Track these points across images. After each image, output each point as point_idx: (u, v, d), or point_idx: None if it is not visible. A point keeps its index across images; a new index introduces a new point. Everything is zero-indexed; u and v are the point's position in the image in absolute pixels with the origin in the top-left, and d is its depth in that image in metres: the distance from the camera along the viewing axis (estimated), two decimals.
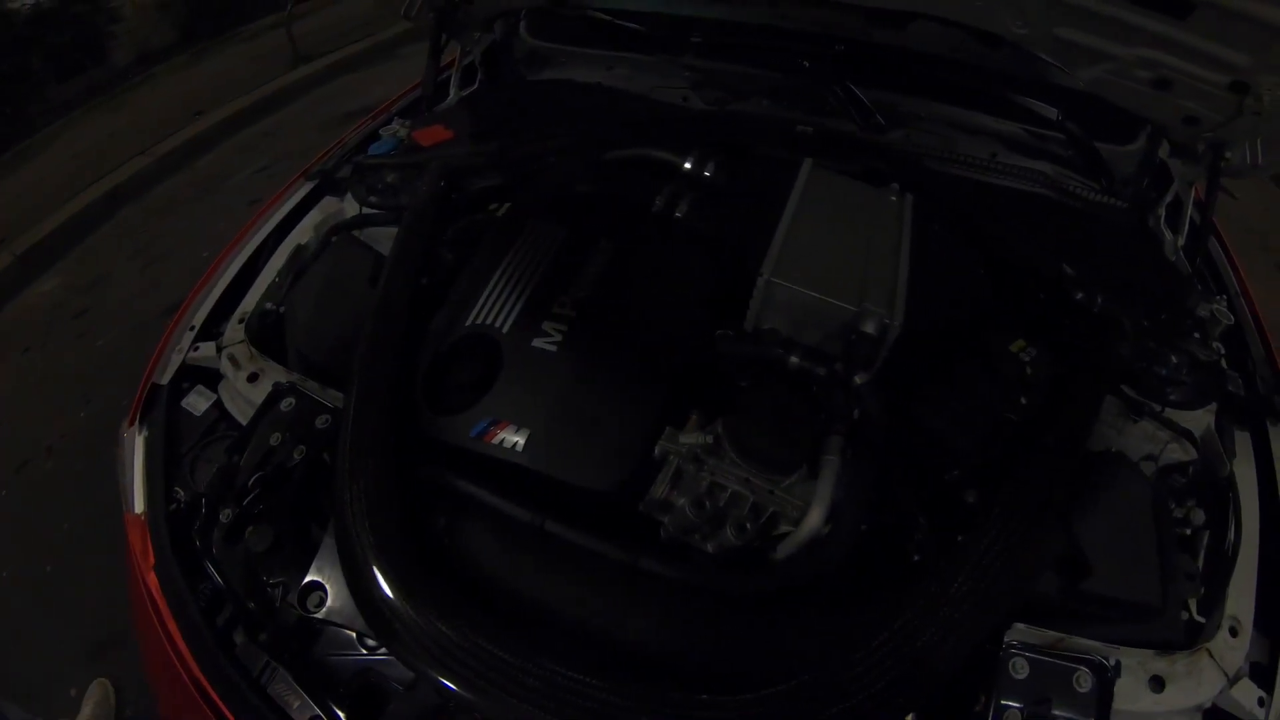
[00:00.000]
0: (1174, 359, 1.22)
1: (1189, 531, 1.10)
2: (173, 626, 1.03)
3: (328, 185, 1.64)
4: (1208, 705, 0.94)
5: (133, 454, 1.22)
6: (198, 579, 1.06)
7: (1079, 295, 1.25)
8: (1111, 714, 0.88)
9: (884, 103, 1.73)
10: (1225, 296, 1.43)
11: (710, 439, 1.01)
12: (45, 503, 2.41)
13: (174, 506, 1.15)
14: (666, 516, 0.99)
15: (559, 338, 1.11)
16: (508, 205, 1.47)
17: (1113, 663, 0.90)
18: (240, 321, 1.32)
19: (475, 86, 2.01)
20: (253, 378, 1.22)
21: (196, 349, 1.32)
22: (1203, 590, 1.03)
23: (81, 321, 3.17)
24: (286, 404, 1.14)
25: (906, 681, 0.81)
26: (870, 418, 1.03)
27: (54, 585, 2.18)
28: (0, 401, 2.80)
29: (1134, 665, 0.92)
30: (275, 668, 0.99)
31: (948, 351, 1.17)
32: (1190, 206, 1.63)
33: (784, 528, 0.99)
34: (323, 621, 0.96)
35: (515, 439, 1.02)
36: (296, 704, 0.96)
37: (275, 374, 1.21)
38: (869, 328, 1.07)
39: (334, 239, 1.45)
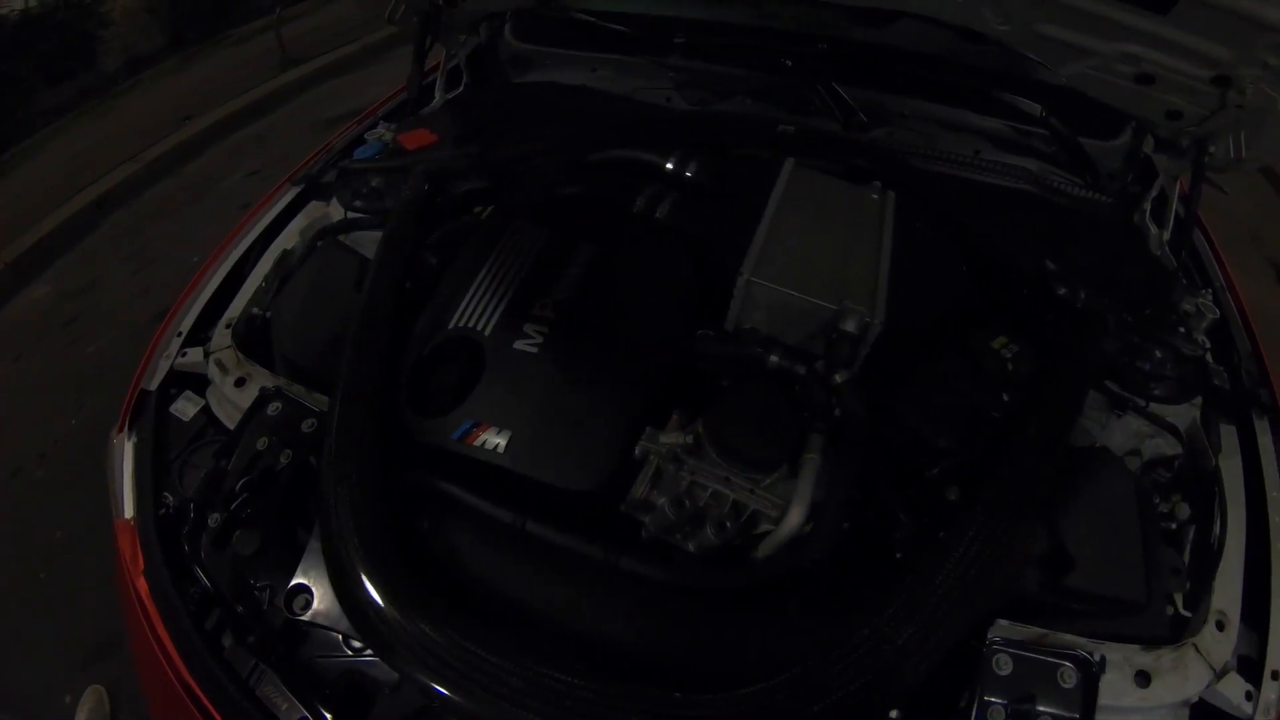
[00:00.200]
0: (1158, 354, 1.22)
1: (1174, 526, 1.10)
2: (162, 630, 1.04)
3: (313, 190, 1.64)
4: (1195, 700, 0.93)
5: (122, 460, 1.22)
6: (187, 583, 1.06)
7: (1062, 291, 1.25)
8: (1097, 710, 0.87)
9: (867, 101, 1.72)
10: (1211, 290, 1.42)
11: (691, 438, 1.01)
12: (38, 510, 2.41)
13: (163, 511, 1.15)
14: (648, 516, 0.99)
15: (540, 339, 1.12)
16: (491, 208, 1.48)
17: (1098, 658, 0.90)
18: (227, 327, 1.32)
19: (460, 90, 2.01)
20: (240, 383, 1.22)
21: (184, 355, 1.33)
22: (1189, 585, 1.03)
23: (73, 328, 3.17)
24: (273, 408, 1.14)
25: (888, 679, 0.81)
26: (851, 416, 1.03)
27: (48, 592, 2.18)
28: None
29: (1119, 660, 0.91)
30: (263, 670, 0.99)
31: (930, 349, 1.17)
32: (1175, 201, 1.63)
33: (764, 527, 0.99)
34: (309, 624, 0.96)
35: (497, 440, 1.02)
36: (284, 705, 0.96)
37: (262, 379, 1.21)
38: (850, 326, 1.08)
39: (319, 244, 1.45)
